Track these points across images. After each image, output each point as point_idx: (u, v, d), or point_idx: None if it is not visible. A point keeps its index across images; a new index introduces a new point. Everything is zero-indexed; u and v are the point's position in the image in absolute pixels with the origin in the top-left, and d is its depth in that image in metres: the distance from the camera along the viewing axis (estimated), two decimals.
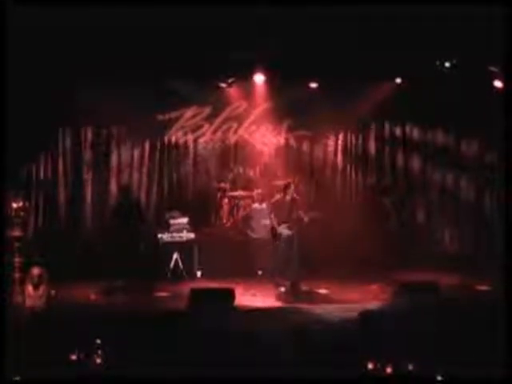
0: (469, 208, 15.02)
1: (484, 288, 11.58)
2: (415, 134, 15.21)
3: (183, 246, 13.10)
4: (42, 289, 10.25)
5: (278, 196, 12.14)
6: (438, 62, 13.33)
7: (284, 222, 11.80)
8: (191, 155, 14.99)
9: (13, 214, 10.39)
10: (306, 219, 11.74)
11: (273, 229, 12.01)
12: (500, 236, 13.25)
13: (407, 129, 15.22)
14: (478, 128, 14.22)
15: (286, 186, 12.04)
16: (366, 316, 8.55)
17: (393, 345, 7.41)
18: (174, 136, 14.85)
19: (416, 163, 15.21)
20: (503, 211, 9.17)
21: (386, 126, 15.26)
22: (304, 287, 11.78)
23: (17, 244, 10.36)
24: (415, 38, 12.19)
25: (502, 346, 7.24)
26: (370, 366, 7.03)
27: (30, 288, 10.20)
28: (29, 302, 10.14)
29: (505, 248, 9.08)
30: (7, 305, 9.11)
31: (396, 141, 15.24)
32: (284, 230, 11.80)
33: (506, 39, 9.14)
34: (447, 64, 13.37)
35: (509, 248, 8.90)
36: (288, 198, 11.87)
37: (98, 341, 7.39)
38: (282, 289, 11.71)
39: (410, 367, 7.01)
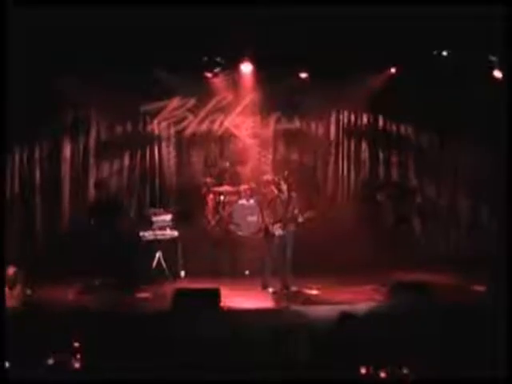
0: (464, 208, 14.95)
1: (480, 289, 11.34)
2: (409, 128, 15.01)
3: (166, 245, 12.87)
4: (17, 288, 10.12)
5: (273, 193, 12.02)
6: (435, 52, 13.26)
7: (277, 222, 11.59)
8: (175, 148, 14.68)
9: None
10: (300, 219, 11.54)
11: (266, 228, 11.79)
12: (494, 237, 13.41)
13: (401, 123, 15.01)
14: (474, 126, 14.00)
15: (277, 183, 11.93)
16: (349, 317, 8.18)
17: (387, 348, 7.07)
18: (157, 128, 14.57)
19: (411, 160, 15.06)
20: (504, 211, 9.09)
21: (380, 119, 14.99)
22: (294, 288, 11.64)
23: None
24: (408, 32, 12.15)
25: (501, 347, 7.01)
26: (363, 370, 6.64)
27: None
28: None
29: (506, 249, 9.00)
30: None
31: (389, 135, 15.02)
32: (277, 230, 11.57)
33: (506, 39, 9.12)
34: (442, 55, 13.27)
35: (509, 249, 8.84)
36: (284, 195, 11.65)
37: (77, 344, 7.13)
38: (271, 289, 11.61)
39: (405, 371, 6.66)
